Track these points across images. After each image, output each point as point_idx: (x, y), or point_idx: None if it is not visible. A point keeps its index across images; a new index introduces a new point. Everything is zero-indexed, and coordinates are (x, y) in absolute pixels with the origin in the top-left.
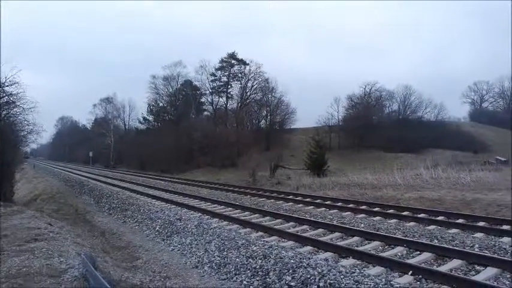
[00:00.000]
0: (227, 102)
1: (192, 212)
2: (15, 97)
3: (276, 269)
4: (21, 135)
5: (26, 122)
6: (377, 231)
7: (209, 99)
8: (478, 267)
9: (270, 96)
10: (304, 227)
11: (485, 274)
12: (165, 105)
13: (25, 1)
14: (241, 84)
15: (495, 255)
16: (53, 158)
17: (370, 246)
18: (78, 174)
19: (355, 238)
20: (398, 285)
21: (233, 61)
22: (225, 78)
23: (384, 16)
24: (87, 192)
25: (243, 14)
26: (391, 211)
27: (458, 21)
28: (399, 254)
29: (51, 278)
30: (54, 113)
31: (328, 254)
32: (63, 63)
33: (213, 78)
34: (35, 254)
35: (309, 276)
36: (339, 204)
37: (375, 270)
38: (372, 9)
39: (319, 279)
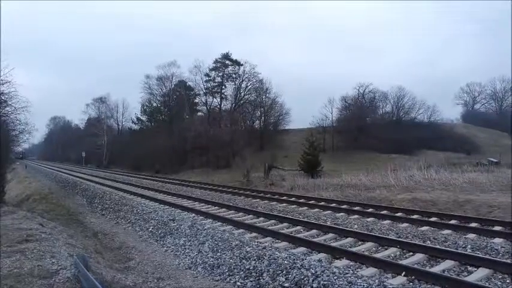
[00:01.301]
0: (221, 103)
1: (186, 212)
2: (6, 96)
3: (270, 270)
4: (13, 134)
5: (17, 122)
6: (370, 232)
7: (203, 100)
8: (470, 268)
9: (264, 97)
10: (298, 228)
11: (478, 275)
12: (158, 105)
13: (18, 0)
14: (235, 84)
15: (487, 256)
16: (45, 158)
17: (364, 247)
18: (70, 175)
19: (349, 239)
20: (391, 286)
21: (227, 62)
22: (219, 79)
23: (378, 17)
24: (80, 192)
25: (239, 14)
26: (384, 212)
27: (451, 23)
28: (392, 255)
29: (42, 279)
30: (46, 112)
31: (322, 255)
32: (55, 63)
33: (207, 78)
34: (26, 255)
35: (302, 277)
36: (333, 205)
37: (368, 271)
38: (367, 10)
39: (313, 280)
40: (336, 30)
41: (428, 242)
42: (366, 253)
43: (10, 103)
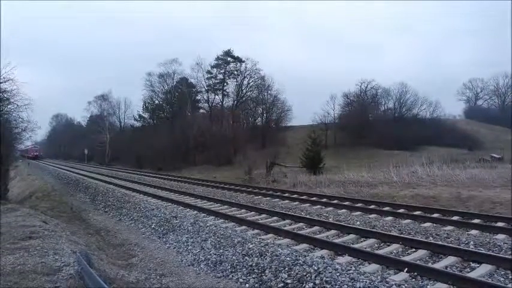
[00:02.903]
0: (223, 100)
1: (188, 209)
2: (9, 94)
3: (272, 266)
4: (15, 132)
5: (20, 119)
6: (373, 228)
7: (205, 97)
8: (473, 265)
9: (266, 93)
10: (300, 224)
11: (480, 271)
12: (160, 102)
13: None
14: (237, 81)
15: (490, 252)
16: (47, 155)
17: (366, 244)
18: (73, 172)
19: (351, 236)
20: (393, 283)
21: (229, 58)
22: (220, 76)
23: (378, 15)
24: (83, 189)
25: (239, 13)
26: (386, 208)
27: (454, 19)
28: (395, 251)
29: (46, 276)
30: (49, 110)
31: (324, 252)
32: (57, 61)
33: (208, 75)
34: (30, 252)
35: (305, 273)
36: (335, 201)
37: (371, 267)
38: (367, 9)
39: (315, 277)
40: (336, 29)
41: (431, 238)
42: (369, 250)
43: (12, 101)
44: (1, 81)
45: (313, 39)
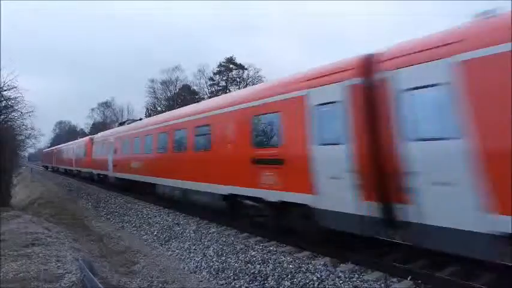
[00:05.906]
0: None
1: (191, 216)
2: (13, 101)
3: (275, 274)
4: (20, 139)
5: (24, 127)
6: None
7: None
8: (477, 272)
9: None
10: None
11: (485, 278)
12: (163, 109)
13: (19, 1)
14: (239, 88)
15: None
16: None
17: (369, 251)
18: (75, 179)
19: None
20: None
21: (231, 65)
22: (223, 83)
23: (380, 15)
24: (85, 196)
25: (239, 15)
26: None
27: (454, 19)
28: (398, 258)
29: (48, 284)
30: (52, 117)
31: (327, 259)
32: (61, 67)
33: (211, 82)
34: (32, 259)
35: (307, 281)
36: None
37: (374, 275)
38: (367, 11)
39: (318, 285)
40: (336, 29)
41: None
42: (371, 257)
43: (16, 108)
44: (5, 89)
45: (313, 39)
